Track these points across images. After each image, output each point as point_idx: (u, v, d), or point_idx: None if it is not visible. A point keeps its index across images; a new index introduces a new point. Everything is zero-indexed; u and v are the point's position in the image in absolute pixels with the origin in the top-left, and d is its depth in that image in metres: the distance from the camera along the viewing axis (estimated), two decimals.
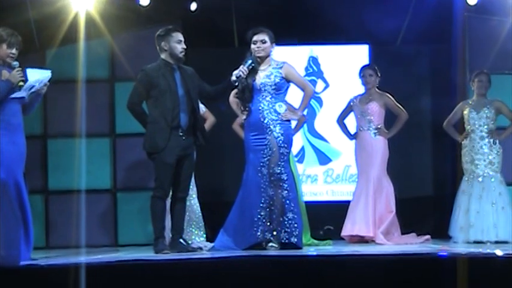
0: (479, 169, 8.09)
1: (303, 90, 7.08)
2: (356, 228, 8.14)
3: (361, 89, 8.44)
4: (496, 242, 7.79)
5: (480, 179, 8.07)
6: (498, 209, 7.97)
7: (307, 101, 7.12)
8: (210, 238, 7.82)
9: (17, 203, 6.21)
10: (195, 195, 7.96)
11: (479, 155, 8.10)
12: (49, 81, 6.43)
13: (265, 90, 6.97)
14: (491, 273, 5.36)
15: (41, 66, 6.73)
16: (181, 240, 6.93)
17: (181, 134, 6.84)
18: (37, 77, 6.35)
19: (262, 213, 6.88)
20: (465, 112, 8.20)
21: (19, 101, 6.38)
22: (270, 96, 6.97)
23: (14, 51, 6.39)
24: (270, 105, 6.96)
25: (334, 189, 9.65)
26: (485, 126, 8.10)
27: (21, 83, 6.25)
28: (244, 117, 7.12)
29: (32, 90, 6.33)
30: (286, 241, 6.86)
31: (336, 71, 9.73)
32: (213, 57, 9.26)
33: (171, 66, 6.92)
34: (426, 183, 9.60)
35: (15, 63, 6.34)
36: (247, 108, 7.03)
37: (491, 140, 8.09)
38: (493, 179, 8.05)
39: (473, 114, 8.14)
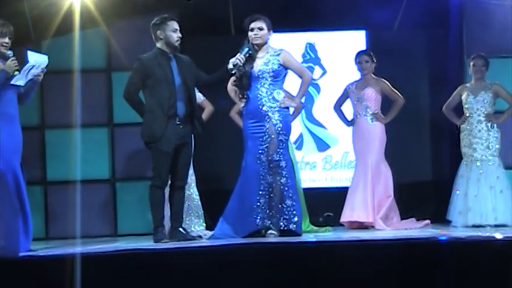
0: (477, 153, 8.09)
1: (300, 77, 7.07)
2: (355, 214, 8.14)
3: (358, 75, 8.43)
4: (496, 226, 7.79)
5: (478, 163, 8.07)
6: (496, 193, 7.97)
7: (305, 87, 7.11)
8: (209, 226, 7.82)
9: (15, 194, 6.22)
10: (194, 184, 7.96)
11: (477, 138, 8.10)
12: (46, 67, 6.41)
13: (263, 77, 6.95)
14: (491, 256, 5.37)
15: (39, 52, 6.69)
16: (180, 229, 6.93)
17: (178, 122, 6.83)
18: (36, 58, 6.34)
19: (261, 201, 6.88)
20: (463, 96, 8.20)
21: (15, 90, 6.37)
22: (268, 84, 6.96)
23: (6, 40, 6.38)
24: (268, 93, 6.95)
25: (333, 175, 9.65)
26: (483, 110, 8.09)
27: (16, 73, 6.23)
28: (242, 105, 7.11)
29: (31, 71, 6.30)
30: (285, 228, 6.87)
31: (333, 58, 9.71)
32: (210, 45, 9.23)
33: (167, 55, 6.90)
34: (425, 167, 9.59)
35: (10, 52, 6.33)
36: (245, 96, 7.02)
37: (489, 124, 8.08)
38: (491, 163, 8.05)
39: (471, 98, 8.14)
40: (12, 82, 6.24)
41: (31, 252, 6.06)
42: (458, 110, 8.26)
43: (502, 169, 8.07)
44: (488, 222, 7.87)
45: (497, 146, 8.07)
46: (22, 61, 6.34)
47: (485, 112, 8.08)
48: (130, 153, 9.03)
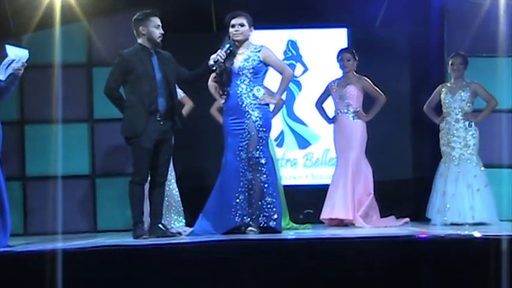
0: (455, 151, 8.12)
1: (281, 73, 7.07)
2: (335, 212, 8.16)
3: (339, 73, 8.44)
4: (474, 224, 7.82)
5: (456, 162, 8.11)
6: (474, 191, 8.00)
7: (285, 84, 7.11)
8: (189, 223, 7.81)
9: None
10: (173, 180, 7.95)
11: (455, 137, 8.13)
12: (26, 61, 6.37)
13: (243, 74, 6.94)
14: (470, 254, 5.39)
15: (19, 46, 6.64)
16: (160, 226, 6.91)
17: (159, 118, 6.81)
18: (15, 52, 6.29)
19: (240, 197, 6.88)
20: (442, 95, 8.23)
21: None
22: (248, 80, 6.95)
23: None
24: (248, 89, 6.94)
25: (313, 173, 9.65)
26: (461, 109, 8.12)
27: None
28: (222, 101, 7.10)
29: (11, 65, 6.25)
30: (265, 225, 6.87)
31: (314, 55, 9.71)
32: (191, 41, 9.21)
33: (148, 51, 6.88)
34: (405, 166, 9.62)
35: None
36: (225, 92, 7.01)
37: (467, 123, 8.12)
38: (468, 161, 8.08)
39: (449, 96, 8.18)
40: None
41: (9, 248, 6.02)
42: (439, 109, 8.29)
43: (480, 168, 8.10)
44: (466, 220, 7.91)
45: (475, 145, 8.10)
46: (1, 55, 6.29)
47: (463, 111, 8.12)
48: (110, 149, 8.99)
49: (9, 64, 6.26)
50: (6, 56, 6.24)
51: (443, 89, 8.23)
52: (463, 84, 8.16)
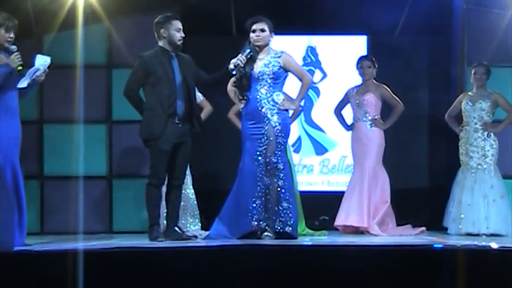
0: (473, 161, 8.10)
1: (300, 79, 7.07)
2: (350, 219, 8.13)
3: (358, 80, 8.43)
4: (490, 235, 7.79)
5: (473, 171, 8.08)
6: (489, 202, 7.98)
7: (304, 90, 7.11)
8: (205, 226, 7.81)
9: (12, 187, 6.21)
10: (190, 183, 7.96)
11: (473, 147, 8.11)
12: (48, 67, 6.43)
13: (263, 79, 6.95)
14: (486, 266, 5.36)
15: (38, 51, 6.71)
16: (176, 228, 6.93)
17: (177, 121, 6.82)
18: (42, 62, 6.37)
19: (257, 202, 6.88)
20: (462, 104, 8.21)
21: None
22: (268, 86, 6.96)
23: (11, 35, 6.38)
24: (268, 95, 6.95)
25: (330, 179, 9.64)
26: (480, 119, 8.10)
27: (19, 67, 6.24)
28: (242, 105, 7.11)
29: (36, 74, 6.33)
30: (281, 230, 6.87)
31: (333, 62, 9.70)
32: (211, 45, 9.22)
33: (169, 54, 6.90)
34: (422, 174, 9.59)
35: (13, 47, 6.34)
36: (245, 97, 7.02)
37: (486, 133, 8.09)
38: (486, 171, 8.06)
39: (469, 106, 8.16)
40: (18, 86, 6.28)
41: (25, 247, 6.05)
42: (461, 118, 8.27)
43: (498, 178, 8.06)
44: (480, 231, 7.88)
45: (493, 155, 8.07)
46: (24, 55, 6.34)
47: (483, 121, 8.09)
48: (127, 151, 9.00)
49: (35, 73, 6.35)
50: (33, 65, 6.31)
51: (464, 98, 8.21)
52: (484, 94, 8.14)
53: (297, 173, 8.69)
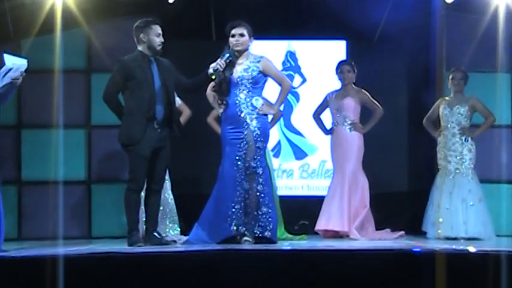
0: (451, 165, 8.15)
1: (280, 84, 7.08)
2: (331, 223, 8.15)
3: (337, 85, 8.45)
4: (468, 239, 7.83)
5: (451, 176, 8.13)
6: (468, 206, 8.02)
7: (284, 95, 7.12)
8: (184, 231, 7.80)
9: None
10: (169, 188, 7.94)
11: (451, 151, 8.16)
12: (25, 71, 6.35)
13: (242, 83, 6.95)
14: (464, 269, 5.39)
15: (17, 55, 6.63)
16: (155, 233, 6.90)
17: (156, 126, 6.80)
18: (13, 61, 6.26)
19: (236, 207, 6.87)
20: (440, 109, 8.25)
21: None
22: (247, 90, 6.96)
23: None
24: (247, 99, 6.95)
25: (309, 184, 9.65)
26: (457, 123, 8.14)
27: None
28: (221, 110, 7.10)
29: (8, 74, 6.23)
30: (260, 235, 6.87)
31: (313, 66, 9.72)
32: (190, 49, 9.22)
33: (148, 58, 6.88)
34: (402, 178, 9.62)
35: None
36: (224, 102, 7.01)
37: (464, 137, 8.14)
38: (464, 176, 8.10)
39: (447, 111, 8.20)
40: None
41: (2, 253, 6.00)
42: (439, 123, 8.30)
43: (475, 182, 8.11)
44: (459, 234, 7.92)
45: (471, 159, 8.11)
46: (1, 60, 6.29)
47: (461, 125, 8.14)
48: (106, 155, 8.97)
49: (6, 73, 6.24)
50: (3, 64, 6.24)
51: (442, 103, 8.26)
52: (462, 99, 8.19)
53: (276, 177, 8.71)
